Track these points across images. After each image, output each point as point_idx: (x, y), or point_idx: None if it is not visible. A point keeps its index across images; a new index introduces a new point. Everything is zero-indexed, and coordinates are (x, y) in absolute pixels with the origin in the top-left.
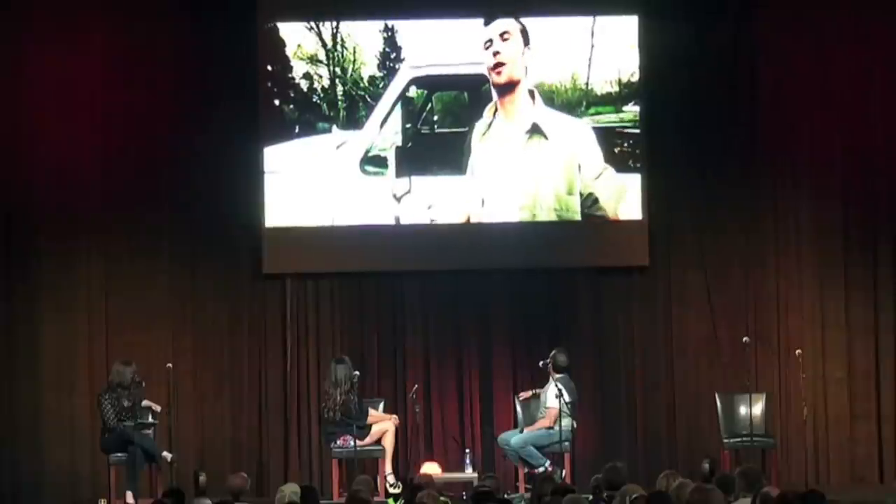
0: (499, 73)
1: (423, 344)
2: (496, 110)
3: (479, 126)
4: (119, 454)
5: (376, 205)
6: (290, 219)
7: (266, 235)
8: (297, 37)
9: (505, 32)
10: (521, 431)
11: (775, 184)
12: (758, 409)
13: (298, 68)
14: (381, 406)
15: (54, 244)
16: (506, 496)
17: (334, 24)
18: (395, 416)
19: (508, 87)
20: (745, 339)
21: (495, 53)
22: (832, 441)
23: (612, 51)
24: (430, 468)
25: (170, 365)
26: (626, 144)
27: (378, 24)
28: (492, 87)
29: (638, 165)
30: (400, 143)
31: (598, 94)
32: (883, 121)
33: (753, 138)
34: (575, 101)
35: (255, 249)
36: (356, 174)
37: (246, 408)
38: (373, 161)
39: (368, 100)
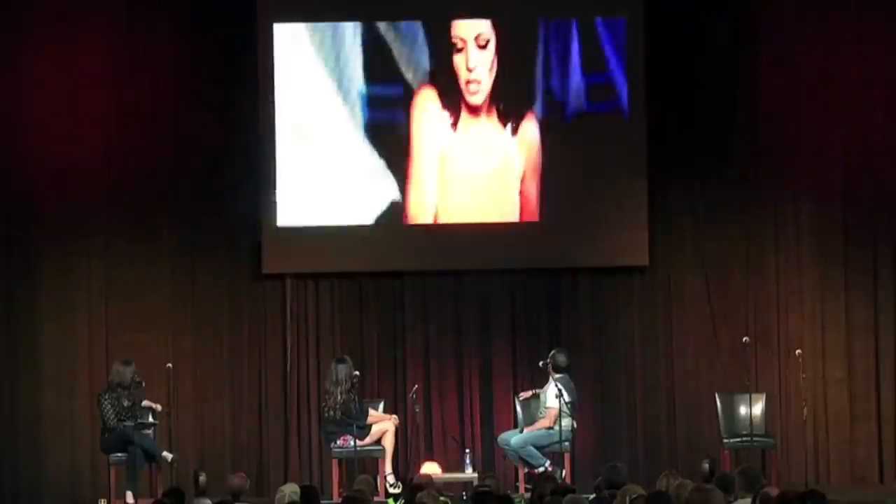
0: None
1: (423, 344)
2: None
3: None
4: (119, 454)
5: (377, 205)
6: (290, 219)
7: (266, 235)
8: (297, 37)
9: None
10: (521, 431)
11: (775, 184)
12: (758, 409)
13: (298, 68)
14: (381, 406)
15: (55, 245)
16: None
17: (334, 24)
18: (395, 416)
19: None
20: (745, 339)
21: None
22: (832, 441)
23: (611, 53)
24: (430, 468)
25: (170, 365)
26: (626, 145)
27: (377, 25)
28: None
29: (638, 166)
30: None
31: (598, 95)
32: (883, 121)
33: (754, 138)
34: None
35: (255, 249)
36: (356, 173)
37: (246, 408)
38: None
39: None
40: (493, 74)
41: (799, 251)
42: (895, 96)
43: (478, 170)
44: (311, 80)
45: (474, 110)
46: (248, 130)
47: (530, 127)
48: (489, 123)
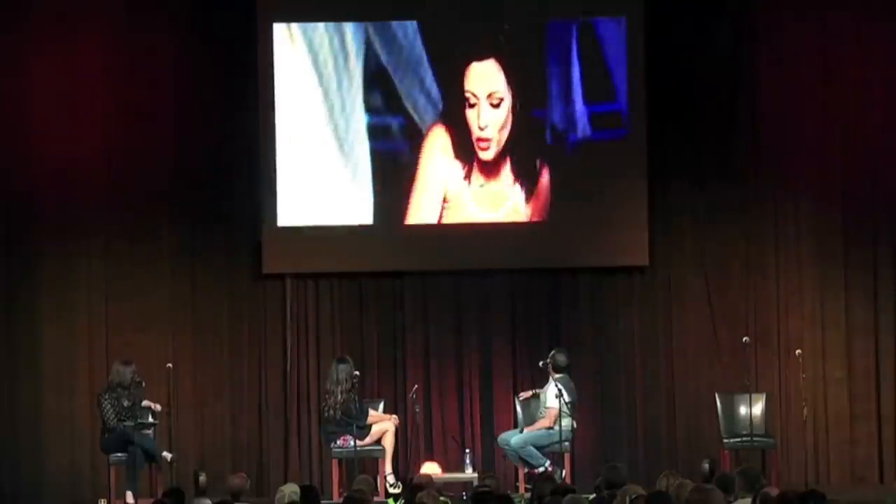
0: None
1: (423, 344)
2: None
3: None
4: (119, 454)
5: (377, 204)
6: (290, 219)
7: (267, 235)
8: (298, 36)
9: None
10: (521, 431)
11: (775, 184)
12: (758, 409)
13: (298, 68)
14: (381, 406)
15: (55, 245)
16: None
17: (335, 24)
18: (395, 416)
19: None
20: (745, 339)
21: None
22: (832, 441)
23: (611, 53)
24: (430, 468)
25: (170, 365)
26: (626, 145)
27: (377, 25)
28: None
29: (638, 166)
30: None
31: (598, 97)
32: (883, 121)
33: (754, 138)
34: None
35: (255, 249)
36: (357, 173)
37: (246, 408)
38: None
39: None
40: (507, 132)
41: (799, 251)
42: (895, 96)
43: (485, 217)
44: (311, 79)
45: (486, 165)
46: (248, 130)
47: (542, 180)
48: (501, 179)
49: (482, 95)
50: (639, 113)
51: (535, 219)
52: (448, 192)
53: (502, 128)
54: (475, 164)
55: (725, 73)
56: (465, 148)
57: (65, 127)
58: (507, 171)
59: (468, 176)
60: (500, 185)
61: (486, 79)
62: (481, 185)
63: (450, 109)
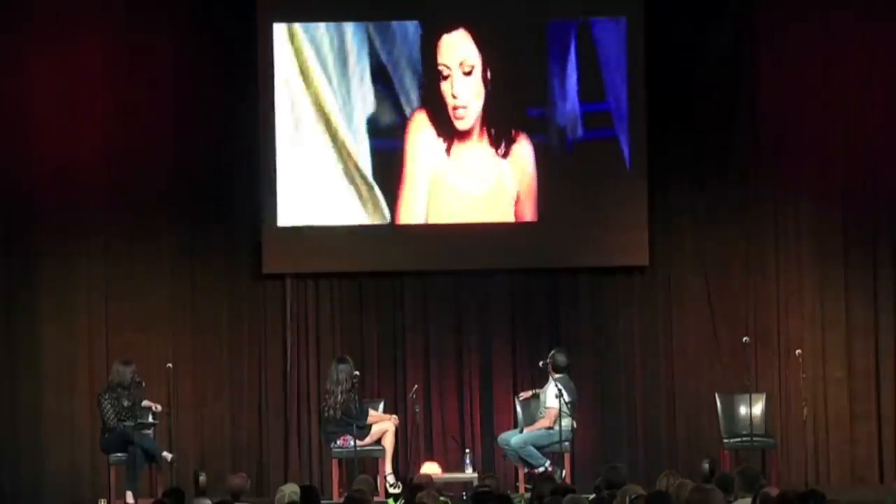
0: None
1: (423, 344)
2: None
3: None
4: (119, 454)
5: (377, 204)
6: (290, 219)
7: (266, 235)
8: (298, 36)
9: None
10: (521, 431)
11: (775, 184)
12: (758, 409)
13: (298, 67)
14: (381, 406)
15: (55, 244)
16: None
17: (335, 24)
18: (395, 416)
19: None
20: (745, 339)
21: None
22: (832, 441)
23: (611, 53)
24: (430, 468)
25: (170, 365)
26: (626, 146)
27: (377, 24)
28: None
29: (638, 166)
30: None
31: (594, 97)
32: (883, 121)
33: (754, 138)
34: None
35: (255, 249)
36: (357, 173)
37: (246, 408)
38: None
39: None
40: (482, 100)
41: (799, 251)
42: (895, 96)
43: (471, 192)
44: (311, 79)
45: (463, 135)
46: (248, 130)
47: (522, 149)
48: (480, 147)
49: (454, 65)
50: (639, 113)
51: (534, 218)
52: (435, 175)
53: (476, 96)
54: (454, 136)
55: (725, 73)
56: (444, 124)
57: (65, 127)
58: (485, 141)
59: (449, 150)
60: (480, 153)
61: (456, 48)
62: (462, 156)
63: (430, 92)
